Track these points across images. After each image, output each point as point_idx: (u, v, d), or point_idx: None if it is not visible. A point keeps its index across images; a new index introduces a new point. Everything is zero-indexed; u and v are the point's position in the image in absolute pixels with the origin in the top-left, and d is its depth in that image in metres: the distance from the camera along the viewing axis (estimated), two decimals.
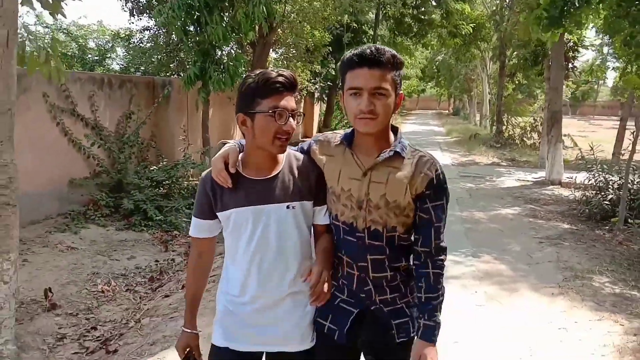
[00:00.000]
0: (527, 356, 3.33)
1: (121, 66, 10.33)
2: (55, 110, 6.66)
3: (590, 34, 16.89)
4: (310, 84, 12.11)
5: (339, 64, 1.70)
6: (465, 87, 30.62)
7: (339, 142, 1.74)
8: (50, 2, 4.16)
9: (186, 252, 5.86)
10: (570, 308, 4.10)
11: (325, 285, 1.70)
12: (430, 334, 1.66)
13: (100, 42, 10.28)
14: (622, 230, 6.32)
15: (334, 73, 12.58)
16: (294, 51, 9.93)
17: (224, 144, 1.80)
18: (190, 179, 7.89)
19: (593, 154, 8.05)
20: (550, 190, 9.51)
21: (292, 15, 8.49)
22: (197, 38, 7.79)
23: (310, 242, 1.82)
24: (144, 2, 9.82)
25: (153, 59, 9.00)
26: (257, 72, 1.67)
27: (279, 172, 1.72)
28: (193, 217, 1.79)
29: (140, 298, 4.70)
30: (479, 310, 4.07)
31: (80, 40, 10.78)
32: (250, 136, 1.68)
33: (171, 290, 4.72)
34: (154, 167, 7.71)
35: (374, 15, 13.04)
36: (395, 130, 1.74)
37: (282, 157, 1.75)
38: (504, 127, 18.66)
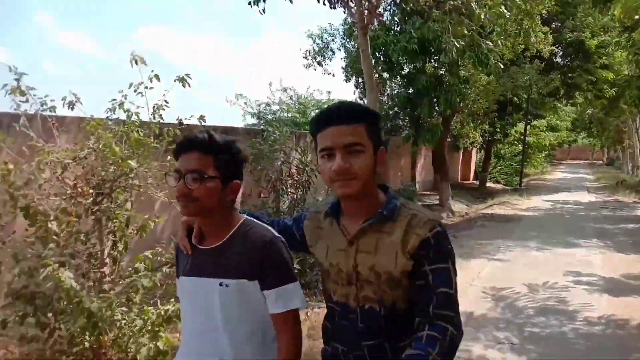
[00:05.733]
0: None
1: None
2: None
3: None
4: (480, 138, 16.70)
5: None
6: (617, 138, 31.90)
7: (325, 212, 1.55)
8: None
9: None
10: None
11: None
12: None
13: None
14: None
15: (497, 129, 17.00)
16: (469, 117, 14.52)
17: None
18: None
19: None
20: None
21: (472, 95, 12.94)
22: (410, 112, 12.58)
23: (262, 331, 1.56)
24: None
25: None
26: None
27: (221, 244, 1.55)
28: None
29: None
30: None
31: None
32: None
33: None
34: None
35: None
36: (385, 189, 1.51)
37: (234, 224, 1.57)
38: None
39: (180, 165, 1.51)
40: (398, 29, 12.02)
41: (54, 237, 3.06)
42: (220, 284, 1.50)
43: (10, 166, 2.89)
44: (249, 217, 1.62)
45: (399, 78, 13.09)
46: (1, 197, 2.99)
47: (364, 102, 13.09)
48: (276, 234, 1.57)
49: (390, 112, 13.65)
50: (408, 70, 12.84)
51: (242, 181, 1.60)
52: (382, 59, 12.00)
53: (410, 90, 12.49)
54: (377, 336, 1.43)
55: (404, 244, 1.37)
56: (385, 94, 13.71)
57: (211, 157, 1.50)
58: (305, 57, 14.30)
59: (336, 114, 1.40)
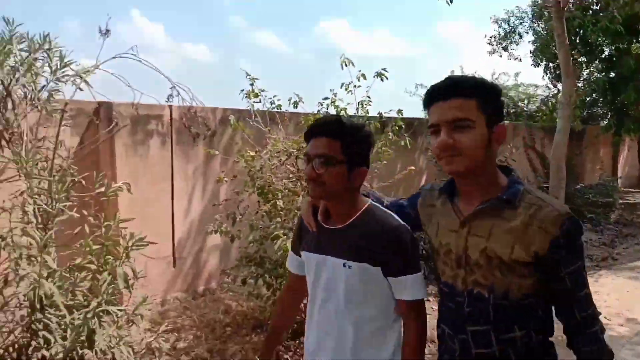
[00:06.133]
0: None
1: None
2: (525, 145, 11.10)
3: None
4: None
5: None
6: None
7: (439, 190, 1.51)
8: None
9: None
10: None
11: None
12: None
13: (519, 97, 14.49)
14: None
15: None
16: None
17: None
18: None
19: None
20: None
21: None
22: (611, 98, 11.31)
23: (384, 314, 1.58)
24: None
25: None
26: None
27: (346, 225, 1.58)
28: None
29: None
30: None
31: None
32: None
33: None
34: (580, 184, 11.21)
35: None
36: (508, 171, 1.42)
37: (359, 208, 1.59)
38: None
39: (309, 150, 1.55)
40: (597, 8, 10.90)
41: (280, 212, 3.68)
42: (344, 265, 1.53)
43: (253, 154, 3.58)
44: (374, 203, 1.63)
45: (597, 61, 11.89)
46: (243, 178, 3.71)
47: (558, 88, 12.18)
48: (401, 222, 1.55)
49: (588, 99, 12.45)
50: (609, 52, 11.58)
51: (368, 167, 1.60)
52: (577, 41, 11.03)
53: (612, 75, 11.27)
54: (484, 323, 1.36)
55: (527, 237, 1.29)
56: (582, 79, 12.53)
57: (339, 142, 1.51)
58: (490, 43, 13.71)
59: (441, 89, 1.35)
